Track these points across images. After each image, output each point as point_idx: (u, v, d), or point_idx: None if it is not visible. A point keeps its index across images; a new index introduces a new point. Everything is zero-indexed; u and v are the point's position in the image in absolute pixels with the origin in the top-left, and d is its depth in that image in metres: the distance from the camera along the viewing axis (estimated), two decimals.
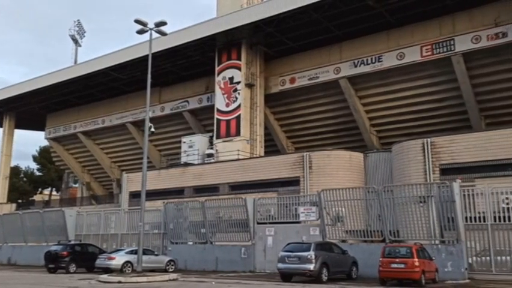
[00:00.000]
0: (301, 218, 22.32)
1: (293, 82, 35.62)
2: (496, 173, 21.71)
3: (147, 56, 22.57)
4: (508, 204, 17.85)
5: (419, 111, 32.08)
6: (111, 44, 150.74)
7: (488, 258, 17.81)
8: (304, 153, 28.09)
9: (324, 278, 16.82)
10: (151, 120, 26.41)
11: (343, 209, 20.77)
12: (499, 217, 17.78)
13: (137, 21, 21.50)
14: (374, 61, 32.08)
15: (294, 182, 27.74)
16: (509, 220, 17.54)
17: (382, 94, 32.83)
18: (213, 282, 17.00)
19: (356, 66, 32.73)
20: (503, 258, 17.58)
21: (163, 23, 21.46)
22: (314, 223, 21.72)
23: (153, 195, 31.22)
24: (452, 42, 29.19)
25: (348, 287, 15.47)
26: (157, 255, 23.57)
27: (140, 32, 21.95)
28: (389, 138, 32.77)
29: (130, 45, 38.77)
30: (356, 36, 32.92)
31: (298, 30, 33.38)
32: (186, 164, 34.72)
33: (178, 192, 32.70)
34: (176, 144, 40.30)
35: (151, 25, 21.74)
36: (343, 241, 20.56)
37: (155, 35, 22.26)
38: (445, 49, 29.35)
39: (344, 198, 20.82)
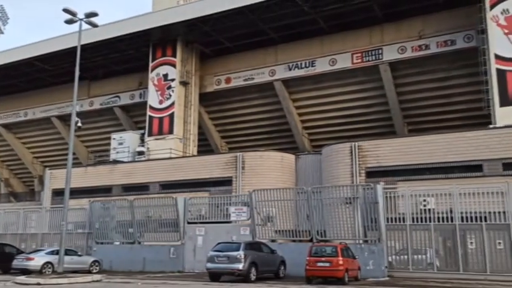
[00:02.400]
0: (232, 218, 22.37)
1: (229, 82, 35.67)
2: (416, 177, 23.05)
3: (76, 47, 21.60)
4: (425, 206, 19.05)
5: (348, 115, 33.33)
6: (37, 32, 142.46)
7: (406, 256, 18.88)
8: (238, 154, 28.22)
9: (253, 277, 16.94)
10: (79, 114, 25.33)
11: (274, 209, 21.09)
12: (417, 218, 18.92)
13: (66, 11, 20.50)
14: (307, 65, 32.92)
15: (226, 182, 27.79)
16: (425, 221, 18.72)
17: (314, 98, 33.76)
18: (139, 283, 16.56)
19: (290, 70, 33.41)
20: (420, 256, 18.73)
21: (94, 14, 20.62)
22: (245, 223, 21.86)
23: (79, 193, 30.01)
24: (380, 51, 30.66)
25: (275, 286, 15.70)
26: (80, 255, 22.55)
27: (69, 22, 20.94)
28: (320, 141, 33.77)
29: (58, 35, 37.05)
30: (291, 40, 33.60)
31: (234, 30, 33.47)
32: (115, 162, 33.61)
33: (105, 190, 31.61)
34: (105, 140, 38.89)
35: (81, 15, 20.86)
36: (273, 241, 20.86)
37: (85, 26, 21.36)
38: (374, 57, 30.77)
39: (274, 198, 21.14)
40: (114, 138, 35.96)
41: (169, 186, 29.37)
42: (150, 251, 23.30)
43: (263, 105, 35.57)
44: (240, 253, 16.81)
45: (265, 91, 34.62)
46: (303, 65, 33.03)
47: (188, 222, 22.99)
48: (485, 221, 17.88)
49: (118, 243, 24.69)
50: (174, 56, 34.79)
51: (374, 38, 31.09)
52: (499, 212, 17.85)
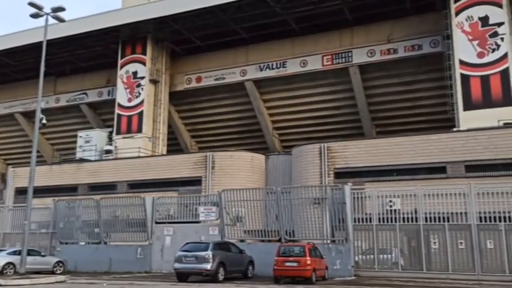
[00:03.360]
0: (201, 218, 22.27)
1: (199, 81, 35.44)
2: (383, 178, 23.49)
3: (42, 42, 21.05)
4: (391, 206, 19.46)
5: (318, 117, 33.64)
6: (1, 26, 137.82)
7: (372, 256, 19.23)
8: (208, 153, 28.10)
9: (221, 277, 16.90)
10: (44, 111, 24.66)
11: (243, 209, 21.10)
12: (383, 218, 19.30)
13: (32, 4, 20.00)
14: (278, 66, 33.06)
15: (196, 181, 27.63)
16: (391, 221, 19.11)
17: (285, 99, 33.93)
18: (105, 284, 16.25)
19: (261, 70, 33.48)
20: (385, 256, 19.12)
21: (61, 9, 20.19)
22: (214, 223, 21.78)
23: (43, 192, 29.29)
24: (350, 54, 31.09)
25: (243, 286, 15.70)
26: (43, 256, 21.98)
27: (34, 16, 20.46)
28: (290, 142, 33.96)
29: (24, 30, 35.91)
30: (262, 41, 33.64)
31: (206, 29, 33.30)
32: (81, 160, 32.89)
33: (71, 189, 30.92)
34: (71, 138, 37.98)
35: (47, 9, 20.36)
36: (241, 241, 20.88)
37: (52, 20, 20.85)
38: (344, 60, 31.18)
39: (244, 198, 21.17)
40: (81, 136, 35.16)
41: (137, 186, 28.98)
42: (117, 251, 22.92)
43: (234, 105, 35.51)
44: (208, 253, 16.74)
45: (236, 91, 34.58)
46: (274, 66, 33.15)
47: (157, 222, 22.74)
48: (448, 221, 18.43)
49: (83, 243, 24.22)
50: (144, 53, 34.33)
51: (344, 40, 31.51)
52: (461, 213, 18.43)
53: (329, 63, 31.64)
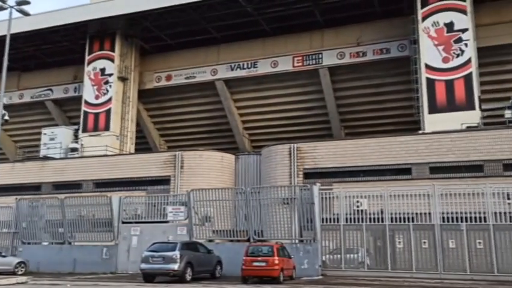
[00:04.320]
0: (170, 218, 22.01)
1: (169, 79, 35.09)
2: (350, 178, 23.85)
3: (5, 36, 20.39)
4: (358, 207, 19.77)
5: (288, 117, 33.87)
6: None
7: (339, 256, 19.48)
8: (177, 153, 27.85)
9: (188, 277, 16.74)
10: (7, 107, 23.90)
11: (212, 209, 20.98)
12: (350, 218, 19.59)
13: None
14: (249, 66, 33.10)
15: (164, 181, 27.34)
16: (358, 221, 19.42)
17: (256, 99, 34.01)
18: (68, 285, 15.86)
19: (232, 70, 33.44)
20: (352, 256, 19.39)
21: (26, 2, 19.63)
22: (182, 223, 21.57)
23: (5, 190, 28.54)
24: (320, 56, 31.44)
25: (210, 286, 15.62)
26: (4, 256, 21.26)
27: None
28: (260, 142, 34.06)
29: None
30: (233, 40, 33.63)
31: (176, 27, 33.01)
32: (46, 158, 32.03)
33: (34, 188, 30.07)
34: (35, 135, 36.95)
35: (12, 2, 19.75)
36: (210, 241, 20.77)
37: (17, 14, 20.24)
38: (314, 61, 31.51)
39: (213, 198, 21.04)
40: (45, 134, 34.27)
41: (104, 185, 28.42)
42: (81, 252, 22.41)
43: (204, 104, 35.33)
44: (176, 253, 16.54)
45: (207, 90, 34.41)
46: (245, 66, 33.18)
47: (123, 222, 22.34)
48: (413, 221, 18.85)
49: (46, 243, 23.57)
50: (113, 50, 33.73)
51: (315, 42, 31.83)
52: (425, 213, 18.89)
53: (300, 64, 31.90)
